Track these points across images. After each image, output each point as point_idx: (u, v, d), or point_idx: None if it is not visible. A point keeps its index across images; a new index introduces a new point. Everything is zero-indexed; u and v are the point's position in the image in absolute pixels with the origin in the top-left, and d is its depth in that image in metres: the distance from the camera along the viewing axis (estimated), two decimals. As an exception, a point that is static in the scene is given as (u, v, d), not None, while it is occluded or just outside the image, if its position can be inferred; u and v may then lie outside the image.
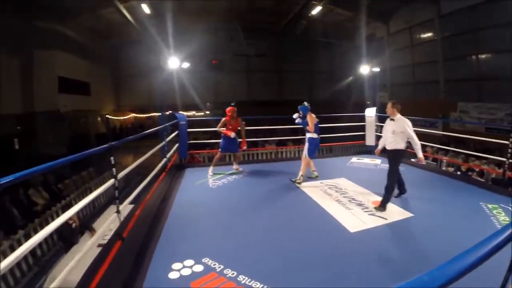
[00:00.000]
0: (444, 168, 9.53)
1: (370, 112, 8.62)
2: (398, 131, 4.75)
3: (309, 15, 18.73)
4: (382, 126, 8.91)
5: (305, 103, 6.15)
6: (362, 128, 8.85)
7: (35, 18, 12.46)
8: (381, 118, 9.12)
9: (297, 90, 24.09)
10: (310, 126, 5.99)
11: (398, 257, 3.24)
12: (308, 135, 6.07)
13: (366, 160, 7.92)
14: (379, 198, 4.83)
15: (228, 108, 6.78)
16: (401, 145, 4.73)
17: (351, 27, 20.84)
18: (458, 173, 8.65)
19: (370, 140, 8.69)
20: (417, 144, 4.73)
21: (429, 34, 16.57)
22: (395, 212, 4.41)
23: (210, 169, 6.88)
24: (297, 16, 19.43)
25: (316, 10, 17.96)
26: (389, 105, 5.00)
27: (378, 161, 7.74)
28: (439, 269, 0.95)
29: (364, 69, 15.63)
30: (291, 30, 21.59)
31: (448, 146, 9.81)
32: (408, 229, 3.91)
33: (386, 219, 4.18)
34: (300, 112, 6.14)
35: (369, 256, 3.26)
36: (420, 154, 4.76)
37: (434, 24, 15.84)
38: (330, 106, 17.95)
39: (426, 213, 4.36)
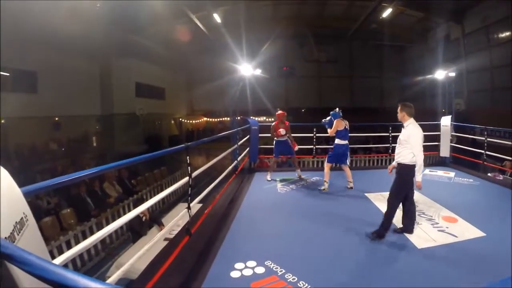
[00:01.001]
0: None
1: (446, 121, 8.09)
2: (403, 140, 3.91)
3: (380, 18, 18.11)
4: (458, 136, 8.40)
5: (337, 109, 6.17)
6: (436, 138, 8.34)
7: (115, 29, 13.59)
8: (457, 128, 8.54)
9: (367, 96, 23.26)
10: (330, 130, 6.06)
11: (467, 279, 2.97)
12: (335, 141, 6.12)
13: (440, 173, 7.39)
14: (451, 214, 4.58)
15: (279, 112, 6.88)
16: (407, 159, 3.83)
17: (423, 29, 19.77)
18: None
19: (444, 151, 8.15)
20: (418, 162, 3.76)
21: (508, 33, 14.69)
22: (466, 230, 4.06)
23: (268, 175, 6.94)
24: (368, 20, 18.90)
25: (387, 12, 17.28)
26: (398, 108, 4.10)
27: (452, 174, 7.23)
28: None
29: (438, 74, 14.65)
30: (362, 34, 21.07)
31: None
32: (479, 251, 3.54)
33: (456, 236, 3.87)
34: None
35: (436, 275, 3.04)
36: (418, 178, 3.81)
37: (510, 21, 14.10)
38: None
39: (499, 234, 3.90)
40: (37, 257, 0.85)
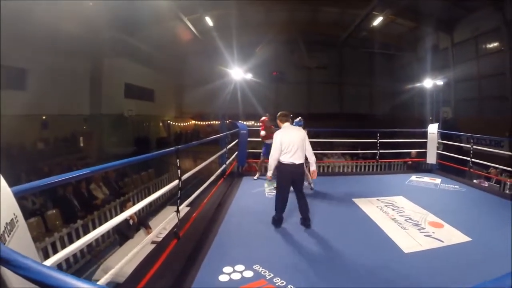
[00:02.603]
0: (507, 191, 8.75)
1: (433, 129, 8.22)
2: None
3: (371, 26, 18.35)
4: (444, 144, 8.54)
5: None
6: (424, 145, 8.46)
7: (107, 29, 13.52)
8: (444, 135, 8.69)
9: (357, 103, 23.57)
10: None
11: (453, 283, 3.00)
12: None
13: (426, 179, 7.51)
14: (437, 219, 4.66)
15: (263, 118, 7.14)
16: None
17: (413, 39, 20.13)
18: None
19: (431, 158, 8.28)
20: (270, 159, 4.44)
21: (496, 44, 15.16)
22: (452, 235, 4.13)
23: (257, 175, 7.23)
24: (359, 28, 19.13)
25: (378, 21, 17.55)
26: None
27: (438, 180, 7.35)
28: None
29: (427, 83, 14.91)
30: (352, 42, 21.32)
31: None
32: (465, 255, 3.62)
33: (442, 241, 3.93)
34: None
35: (422, 279, 3.08)
36: (268, 173, 4.52)
37: (501, 32, 14.47)
38: (390, 121, 17.33)
39: (485, 239, 4.00)
40: (33, 260, 0.85)
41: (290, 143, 4.29)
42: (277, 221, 4.41)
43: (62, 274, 0.82)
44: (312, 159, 4.49)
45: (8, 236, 1.19)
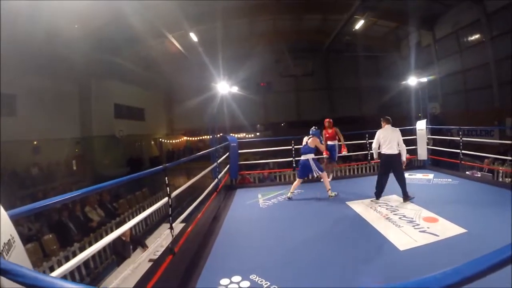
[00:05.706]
0: (500, 180, 8.82)
1: (421, 125, 8.31)
2: None
3: (353, 30, 18.58)
4: (434, 139, 8.62)
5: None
6: (414, 142, 8.53)
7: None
8: (433, 130, 8.77)
9: (347, 107, 23.80)
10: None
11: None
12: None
13: (419, 176, 7.57)
14: (431, 214, 4.71)
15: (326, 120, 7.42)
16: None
17: (396, 38, 20.41)
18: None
19: (422, 155, 8.35)
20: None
21: (477, 36, 15.37)
22: (447, 228, 4.17)
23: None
24: (341, 33, 19.37)
25: (359, 24, 17.78)
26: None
27: (431, 175, 7.41)
28: (455, 269, 0.93)
29: (412, 81, 15.13)
30: (336, 47, 21.55)
31: (506, 156, 8.90)
32: (461, 247, 3.61)
33: (437, 235, 3.96)
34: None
35: (419, 275, 3.07)
36: (374, 155, 6.20)
37: (481, 24, 14.68)
38: (380, 121, 17.46)
39: (480, 229, 4.03)
40: (27, 268, 0.95)
41: (386, 138, 5.73)
42: (376, 194, 5.82)
43: (54, 279, 0.91)
44: (403, 152, 5.70)
45: (7, 255, 1.29)
